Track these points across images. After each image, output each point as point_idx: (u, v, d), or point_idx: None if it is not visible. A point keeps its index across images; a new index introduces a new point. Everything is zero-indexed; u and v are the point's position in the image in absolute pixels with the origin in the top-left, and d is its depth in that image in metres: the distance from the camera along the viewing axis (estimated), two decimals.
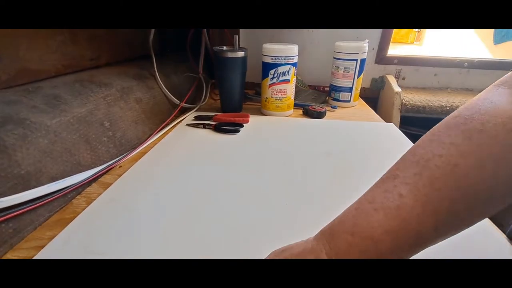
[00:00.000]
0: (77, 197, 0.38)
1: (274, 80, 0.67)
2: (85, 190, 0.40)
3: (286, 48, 0.65)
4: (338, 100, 0.81)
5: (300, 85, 0.91)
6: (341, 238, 0.21)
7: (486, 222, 0.34)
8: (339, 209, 0.36)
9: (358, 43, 0.75)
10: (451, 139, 0.20)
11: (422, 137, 0.22)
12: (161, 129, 0.59)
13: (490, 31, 1.22)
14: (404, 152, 0.22)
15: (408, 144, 0.56)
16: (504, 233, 0.32)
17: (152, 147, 0.52)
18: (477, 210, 0.19)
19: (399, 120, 0.85)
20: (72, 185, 0.36)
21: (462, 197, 0.18)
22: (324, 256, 0.21)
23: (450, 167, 0.18)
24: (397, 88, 0.85)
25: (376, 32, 0.89)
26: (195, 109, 0.73)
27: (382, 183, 0.21)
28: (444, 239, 0.20)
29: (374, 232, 0.19)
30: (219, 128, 0.61)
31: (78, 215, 0.34)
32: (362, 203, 0.22)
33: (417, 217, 0.18)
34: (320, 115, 0.71)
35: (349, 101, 0.81)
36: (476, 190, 0.18)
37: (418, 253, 0.20)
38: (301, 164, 0.47)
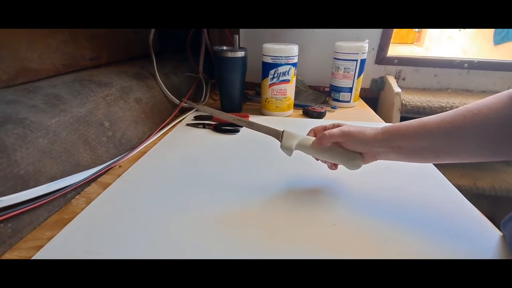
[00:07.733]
0: (77, 197, 0.38)
1: (274, 80, 0.67)
2: (85, 190, 0.40)
3: (286, 48, 0.65)
4: (338, 100, 0.81)
5: (300, 85, 0.91)
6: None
7: (486, 222, 0.34)
8: (340, 208, 0.36)
9: (358, 43, 0.75)
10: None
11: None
12: (161, 129, 0.59)
13: (490, 32, 1.22)
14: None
15: None
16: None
17: (151, 147, 0.52)
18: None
19: (399, 120, 0.85)
20: (72, 185, 0.36)
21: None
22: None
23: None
24: (397, 89, 0.85)
25: (376, 32, 0.88)
26: (195, 109, 0.73)
27: None
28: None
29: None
30: (219, 128, 0.61)
31: (77, 215, 0.34)
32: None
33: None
34: (320, 115, 0.71)
35: (349, 102, 0.81)
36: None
37: (418, 253, 0.20)
38: (301, 164, 0.47)
